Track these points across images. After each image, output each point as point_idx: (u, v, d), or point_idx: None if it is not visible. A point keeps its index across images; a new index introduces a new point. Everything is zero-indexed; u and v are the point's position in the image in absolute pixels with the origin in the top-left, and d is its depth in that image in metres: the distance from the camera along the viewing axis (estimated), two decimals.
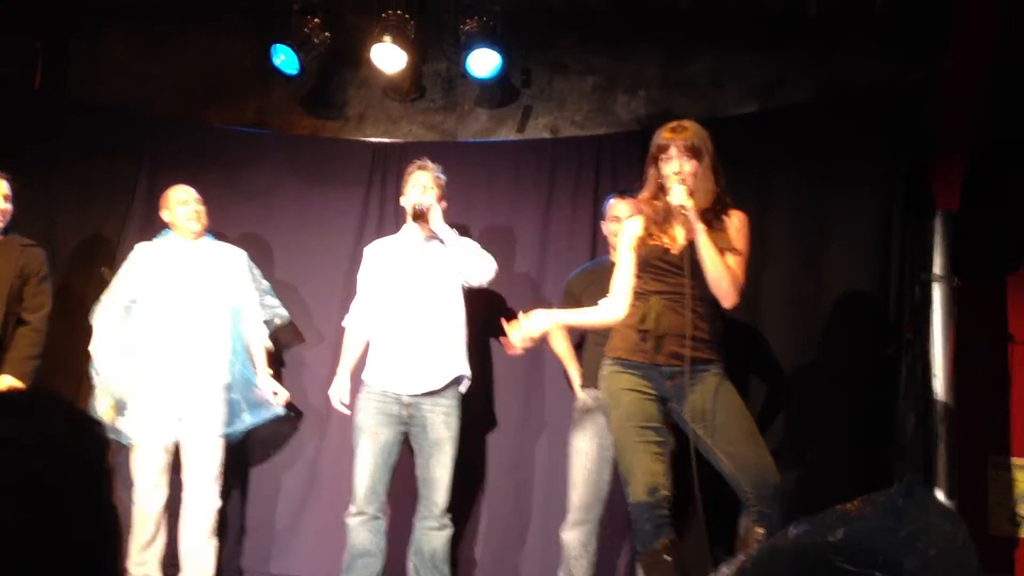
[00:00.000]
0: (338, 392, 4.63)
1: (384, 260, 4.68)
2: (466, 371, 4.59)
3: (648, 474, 3.58)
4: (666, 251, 3.62)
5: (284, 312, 5.07)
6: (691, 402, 3.57)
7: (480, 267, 4.56)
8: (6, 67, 5.68)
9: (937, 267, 4.50)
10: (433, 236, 4.61)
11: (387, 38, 5.28)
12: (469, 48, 5.26)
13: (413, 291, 4.55)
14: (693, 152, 3.57)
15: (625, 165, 5.30)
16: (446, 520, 4.49)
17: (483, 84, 5.53)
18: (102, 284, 5.16)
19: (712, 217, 3.59)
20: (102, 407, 4.63)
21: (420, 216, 4.51)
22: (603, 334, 4.49)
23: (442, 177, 4.63)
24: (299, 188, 5.55)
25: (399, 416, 4.48)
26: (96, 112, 5.65)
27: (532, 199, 5.39)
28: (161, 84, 5.81)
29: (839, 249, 4.66)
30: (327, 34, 5.42)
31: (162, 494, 4.65)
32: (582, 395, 4.54)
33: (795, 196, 4.80)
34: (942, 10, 4.55)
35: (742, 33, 5.33)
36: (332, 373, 5.34)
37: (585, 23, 5.54)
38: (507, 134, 5.69)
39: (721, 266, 3.51)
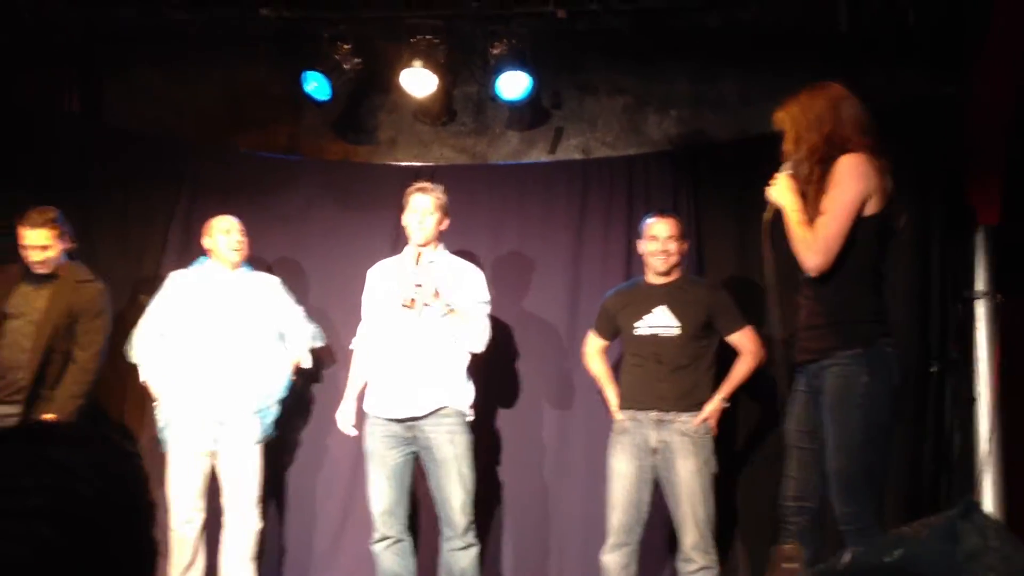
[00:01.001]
0: (343, 416, 4.61)
1: (382, 283, 4.64)
2: (457, 402, 4.46)
3: (791, 479, 3.50)
4: None
5: (321, 334, 5.07)
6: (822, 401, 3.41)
7: (471, 340, 4.47)
8: (43, 96, 5.76)
9: (979, 283, 4.46)
10: (433, 260, 4.53)
11: (417, 62, 5.31)
12: (498, 71, 5.28)
13: (405, 315, 4.46)
14: (784, 129, 3.47)
15: (657, 184, 5.30)
16: (470, 538, 4.45)
17: (513, 106, 5.54)
18: (142, 311, 5.21)
19: (814, 169, 3.34)
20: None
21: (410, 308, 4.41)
22: (639, 354, 4.47)
23: (443, 197, 4.58)
24: (332, 212, 5.58)
25: (404, 437, 4.45)
26: (134, 140, 5.71)
27: (564, 220, 5.39)
28: (195, 112, 5.87)
29: None
30: (357, 60, 5.46)
31: (200, 517, 4.68)
32: (619, 416, 4.52)
33: None
34: (974, 23, 4.52)
35: (771, 50, 5.31)
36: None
37: (613, 44, 5.55)
38: (538, 156, 5.70)
39: (793, 237, 3.32)
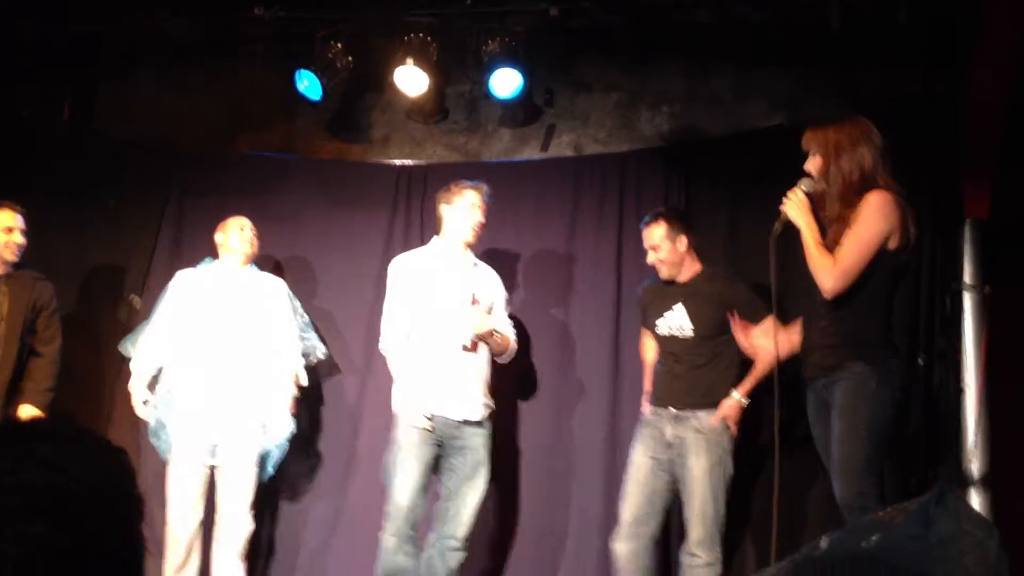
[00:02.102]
0: (418, 412, 4.38)
1: (421, 276, 4.55)
2: (492, 404, 4.62)
3: None
4: None
5: (322, 347, 5.05)
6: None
7: (507, 356, 4.66)
8: (37, 104, 5.78)
9: (967, 276, 4.46)
10: (476, 263, 4.63)
11: (410, 61, 5.31)
12: (491, 69, 5.27)
13: (455, 315, 4.46)
14: (811, 152, 3.55)
15: (649, 181, 5.29)
16: (466, 543, 4.48)
17: (506, 104, 5.54)
18: (131, 312, 5.21)
19: (844, 207, 3.45)
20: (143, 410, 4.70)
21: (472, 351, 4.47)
22: (662, 352, 4.49)
23: (488, 201, 4.64)
24: (325, 212, 5.59)
25: (440, 437, 4.44)
26: (123, 145, 5.72)
27: (557, 217, 5.39)
28: (189, 115, 5.86)
29: None
30: (350, 59, 5.45)
31: (196, 518, 4.68)
32: (646, 408, 4.54)
33: None
34: (967, 20, 4.52)
35: (765, 47, 5.31)
36: (359, 398, 5.36)
37: (606, 41, 5.55)
38: (531, 154, 5.69)
39: (810, 258, 3.44)
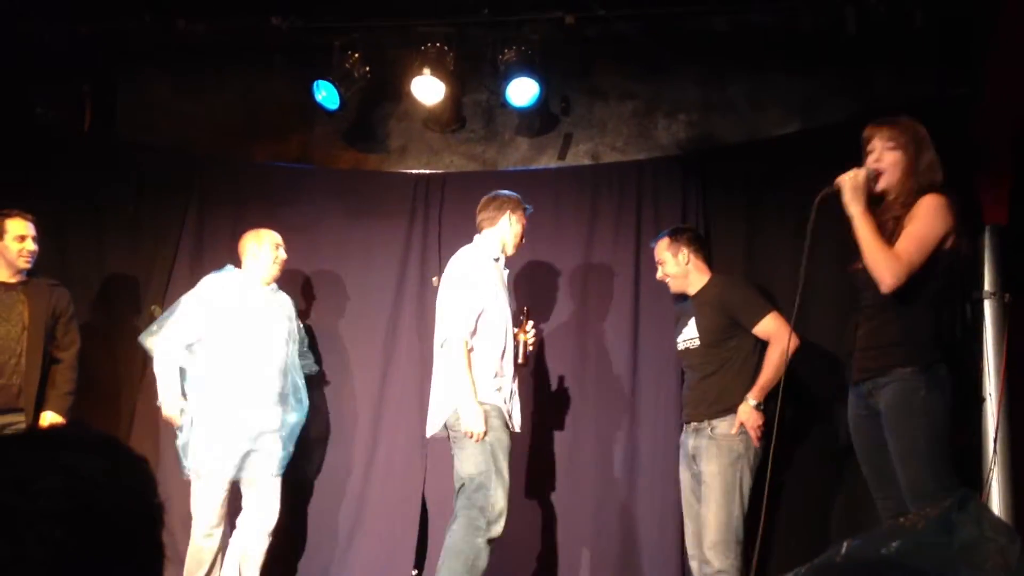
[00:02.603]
0: (479, 416, 4.13)
1: (492, 285, 4.37)
2: None
3: (878, 499, 3.57)
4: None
5: (314, 367, 5.07)
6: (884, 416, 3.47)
7: None
8: (56, 110, 5.82)
9: (987, 284, 4.43)
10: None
11: (426, 70, 5.33)
12: (508, 78, 5.29)
13: (511, 324, 4.43)
14: (883, 146, 3.52)
15: (667, 189, 5.29)
16: None
17: (523, 113, 5.56)
18: (152, 322, 5.22)
19: (900, 206, 3.44)
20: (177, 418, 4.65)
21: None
22: (687, 365, 4.50)
23: None
24: (343, 222, 5.59)
25: None
26: (144, 152, 5.75)
27: (574, 225, 5.39)
28: (206, 123, 5.90)
29: None
30: (367, 68, 5.49)
31: (221, 533, 4.64)
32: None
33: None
34: (983, 25, 4.51)
35: (780, 54, 5.31)
36: (379, 403, 5.33)
37: (622, 49, 5.55)
38: (548, 162, 5.70)
39: (871, 250, 3.34)
